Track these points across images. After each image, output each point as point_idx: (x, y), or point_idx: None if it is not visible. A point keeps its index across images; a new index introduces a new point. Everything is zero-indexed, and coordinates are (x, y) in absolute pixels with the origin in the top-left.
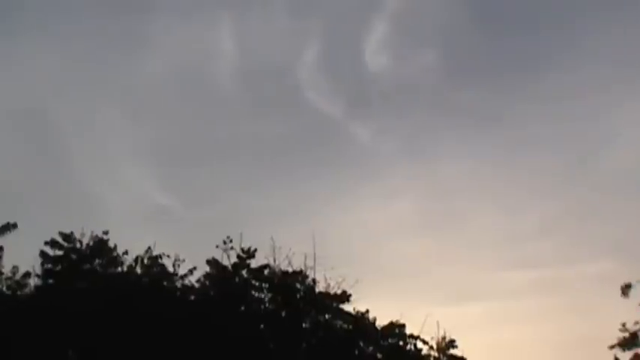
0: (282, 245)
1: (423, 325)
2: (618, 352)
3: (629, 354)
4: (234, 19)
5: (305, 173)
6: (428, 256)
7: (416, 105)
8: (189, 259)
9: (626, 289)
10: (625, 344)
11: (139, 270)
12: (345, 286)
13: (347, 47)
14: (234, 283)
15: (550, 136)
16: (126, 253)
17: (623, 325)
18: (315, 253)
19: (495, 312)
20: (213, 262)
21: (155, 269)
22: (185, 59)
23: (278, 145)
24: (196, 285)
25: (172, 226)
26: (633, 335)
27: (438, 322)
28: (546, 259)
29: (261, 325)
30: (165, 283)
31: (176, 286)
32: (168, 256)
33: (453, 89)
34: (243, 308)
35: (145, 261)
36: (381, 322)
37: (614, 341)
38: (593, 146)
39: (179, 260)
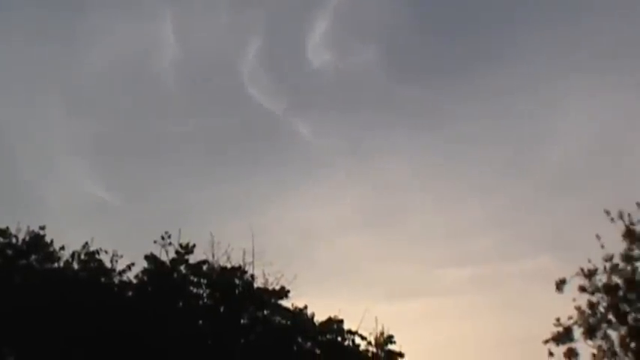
0: (222, 241)
1: (362, 321)
2: (552, 346)
3: (562, 348)
4: (177, 14)
5: (246, 169)
6: (368, 252)
7: (358, 101)
8: (128, 254)
9: (560, 284)
10: (559, 339)
11: (76, 266)
12: (284, 282)
13: (289, 43)
14: (172, 278)
15: (490, 133)
16: (63, 248)
17: (558, 320)
18: (253, 249)
19: (435, 308)
20: (151, 258)
21: (92, 265)
22: (126, 53)
23: (219, 141)
24: (134, 281)
25: (111, 221)
26: (567, 330)
27: (376, 318)
28: (485, 256)
29: (200, 321)
30: (102, 279)
31: (114, 282)
32: (105, 252)
33: (395, 86)
34: (181, 304)
35: (82, 256)
36: (319, 318)
37: (549, 336)
38: (532, 143)
39: (117, 256)
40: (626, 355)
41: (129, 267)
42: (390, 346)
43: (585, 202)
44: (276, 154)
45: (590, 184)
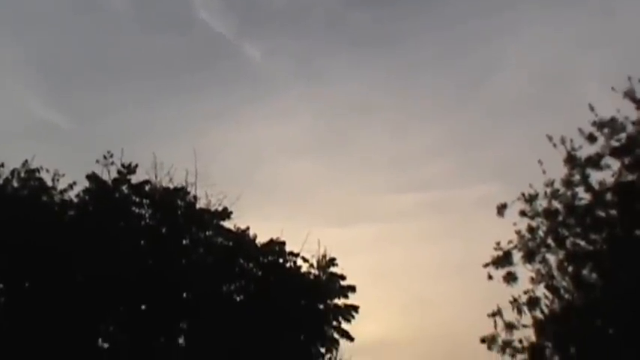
0: (165, 162)
1: (304, 244)
2: (492, 270)
3: (502, 272)
4: None
5: (193, 91)
6: (315, 176)
7: (310, 25)
8: (70, 174)
9: (501, 209)
10: (498, 263)
11: (15, 184)
12: (227, 204)
13: None
14: (114, 198)
15: (441, 59)
16: (2, 165)
17: (498, 244)
18: (196, 170)
19: (381, 234)
20: (93, 177)
21: (33, 183)
22: None
23: (166, 62)
24: (75, 200)
25: (54, 140)
26: (506, 254)
27: (319, 241)
28: (433, 182)
29: (141, 241)
30: (43, 198)
31: (54, 201)
32: (47, 171)
33: (346, 9)
34: (122, 224)
35: (22, 175)
36: (262, 240)
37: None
38: (483, 70)
39: (58, 175)
40: (564, 278)
41: (70, 186)
42: (332, 269)
43: (534, 129)
44: (225, 76)
45: (540, 111)
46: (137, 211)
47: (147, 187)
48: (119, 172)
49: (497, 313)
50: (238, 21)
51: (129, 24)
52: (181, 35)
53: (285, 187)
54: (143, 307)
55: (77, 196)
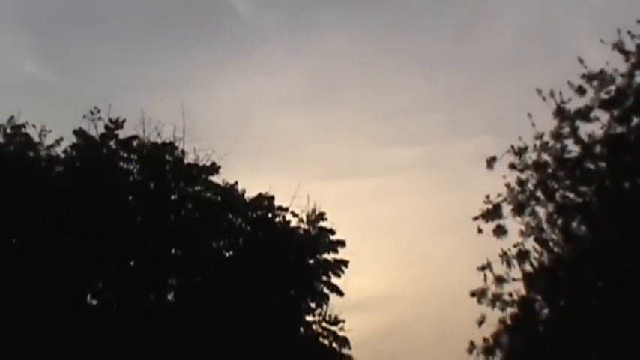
0: (153, 118)
1: (294, 199)
2: (482, 223)
3: (491, 225)
4: None
5: (182, 45)
6: (306, 130)
7: None
8: (57, 130)
9: (491, 162)
10: (488, 216)
11: (1, 139)
12: (215, 159)
13: None
14: (101, 154)
15: (431, 15)
16: None
17: (487, 197)
18: (184, 126)
19: (373, 188)
20: (80, 133)
21: (19, 139)
22: None
23: (155, 17)
24: (62, 156)
25: (40, 95)
26: (496, 207)
27: (308, 196)
28: (425, 136)
29: (129, 197)
30: (30, 154)
31: (41, 157)
32: (33, 126)
33: None
34: (110, 180)
35: (8, 130)
36: (251, 195)
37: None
38: (471, 24)
39: (45, 131)
40: (553, 231)
41: (57, 142)
42: (322, 224)
43: (524, 82)
44: (214, 30)
45: (529, 64)
46: (125, 166)
47: (134, 143)
48: (106, 127)
49: (486, 267)
50: None
51: None
52: None
53: (275, 141)
54: (131, 263)
55: (64, 151)
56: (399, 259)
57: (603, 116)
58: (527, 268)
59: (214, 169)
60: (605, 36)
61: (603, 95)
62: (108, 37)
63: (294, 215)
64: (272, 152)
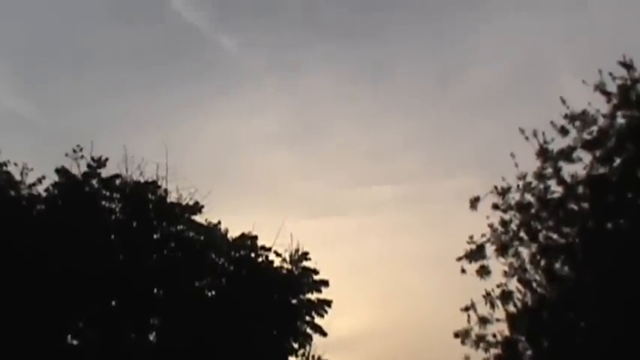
0: (137, 155)
1: (277, 238)
2: (465, 263)
3: (475, 265)
4: None
5: (166, 83)
6: (289, 169)
7: (284, 17)
8: (39, 168)
9: (474, 202)
10: (471, 256)
11: None
12: (198, 198)
13: None
14: (83, 192)
15: (416, 51)
16: None
17: (471, 237)
18: (167, 164)
19: (356, 227)
20: (62, 171)
21: (0, 177)
22: None
23: (140, 54)
24: (44, 194)
25: (23, 132)
26: (479, 247)
27: (291, 235)
28: (409, 174)
29: (112, 236)
30: (11, 192)
31: (23, 195)
32: (15, 164)
33: (323, 1)
34: (92, 218)
35: None
36: (234, 234)
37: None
38: (456, 64)
39: (27, 169)
40: (536, 272)
41: (39, 180)
42: (305, 263)
43: (508, 122)
44: (198, 67)
45: (513, 104)
46: (107, 205)
47: (117, 181)
48: (89, 165)
49: (470, 307)
50: (213, 12)
51: (101, 13)
52: (154, 25)
53: (259, 179)
54: (113, 302)
55: (46, 190)
56: (383, 298)
57: (586, 157)
58: (511, 308)
59: (197, 208)
60: (588, 77)
61: (586, 136)
62: (91, 73)
63: (278, 255)
64: (256, 190)
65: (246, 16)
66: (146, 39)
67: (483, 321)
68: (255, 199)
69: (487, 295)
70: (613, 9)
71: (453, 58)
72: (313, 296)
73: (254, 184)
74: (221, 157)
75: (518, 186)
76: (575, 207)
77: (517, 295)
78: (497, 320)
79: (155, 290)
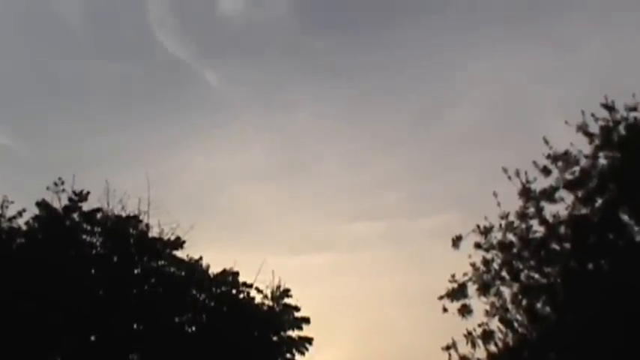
0: (119, 189)
1: (258, 274)
2: (447, 302)
3: (457, 304)
4: None
5: (148, 116)
6: (272, 204)
7: (269, 51)
8: (20, 201)
9: (456, 241)
10: (453, 295)
11: None
12: (180, 232)
13: None
14: (64, 226)
15: (399, 88)
16: None
17: (453, 276)
18: (149, 198)
19: (338, 263)
20: (43, 205)
21: None
22: None
23: (123, 87)
24: (24, 228)
25: (4, 166)
26: (461, 286)
27: (273, 271)
28: (391, 212)
29: (92, 270)
30: None
31: (3, 229)
32: None
33: (306, 36)
34: (73, 252)
35: None
36: (215, 270)
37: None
38: (439, 100)
39: (7, 202)
40: (518, 311)
41: (20, 213)
42: (286, 300)
43: (490, 161)
44: (182, 101)
45: (496, 143)
46: (88, 239)
47: (98, 215)
48: (70, 199)
49: (451, 346)
50: (197, 46)
51: (85, 47)
52: (138, 59)
53: (241, 215)
54: (93, 337)
55: (26, 223)
56: (363, 335)
57: (568, 197)
58: (492, 348)
59: (179, 243)
60: (570, 117)
61: (568, 176)
62: (74, 106)
63: (259, 291)
64: (238, 225)
65: (232, 52)
66: (130, 73)
67: None
68: (237, 235)
69: (468, 335)
70: (596, 50)
71: (436, 96)
72: (294, 333)
73: (236, 220)
74: (204, 192)
75: (500, 225)
76: (557, 247)
77: (498, 335)
78: None
79: (135, 325)
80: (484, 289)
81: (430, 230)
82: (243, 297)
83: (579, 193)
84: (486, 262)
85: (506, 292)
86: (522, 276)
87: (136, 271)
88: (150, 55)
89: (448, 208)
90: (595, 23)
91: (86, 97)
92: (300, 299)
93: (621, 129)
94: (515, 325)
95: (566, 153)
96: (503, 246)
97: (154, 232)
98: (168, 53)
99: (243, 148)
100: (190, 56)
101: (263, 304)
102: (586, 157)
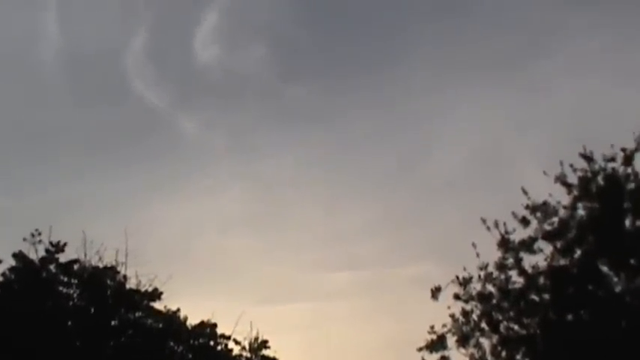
0: (96, 239)
1: (236, 325)
2: (426, 354)
3: (436, 356)
4: (60, 2)
5: (125, 164)
6: (248, 253)
7: (245, 100)
8: None
9: (436, 292)
10: (432, 347)
11: None
12: (158, 284)
13: (176, 37)
14: (41, 277)
15: (376, 137)
16: None
17: (432, 327)
18: (127, 249)
19: (315, 313)
20: (19, 256)
21: None
22: (6, 41)
23: (98, 134)
24: (1, 279)
25: None
26: (440, 338)
27: (251, 323)
28: (368, 261)
29: (69, 322)
30: None
31: None
32: None
33: (282, 84)
34: (50, 304)
35: None
36: (193, 321)
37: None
38: (417, 149)
39: None
40: None
41: None
42: (265, 352)
43: (469, 209)
44: (158, 149)
45: (474, 191)
46: (65, 290)
47: (75, 266)
48: (47, 250)
49: None
50: (173, 93)
51: (60, 94)
52: (114, 106)
53: (219, 264)
54: None
55: (3, 274)
56: None
57: (547, 248)
58: None
59: (156, 294)
60: (549, 164)
61: (547, 227)
62: (49, 155)
63: (237, 343)
64: (215, 275)
65: (208, 99)
66: (106, 121)
67: None
68: (214, 284)
69: None
70: (573, 99)
71: (414, 144)
72: None
73: (214, 269)
74: (180, 241)
75: (479, 276)
76: (536, 298)
77: None
78: None
79: None
80: (463, 341)
81: (410, 279)
82: (221, 349)
83: (558, 244)
84: (465, 314)
85: (485, 343)
86: (502, 327)
87: (113, 323)
88: (126, 102)
89: (427, 257)
90: (571, 71)
91: (62, 144)
92: (278, 350)
93: (600, 179)
94: None
95: (545, 203)
96: (483, 297)
97: (131, 284)
98: (144, 100)
99: (220, 195)
100: (166, 103)
101: (241, 355)
102: (565, 207)
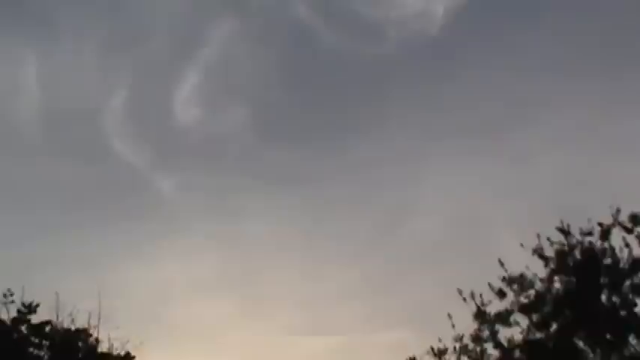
0: (69, 300)
1: None
2: None
3: None
4: (40, 59)
5: (101, 225)
6: (223, 317)
7: (224, 161)
8: None
9: None
10: None
11: None
12: (130, 347)
13: (156, 96)
14: (12, 339)
15: (354, 202)
16: None
17: None
18: (100, 312)
19: None
20: None
21: None
22: None
23: (77, 192)
24: None
25: None
26: None
27: None
28: (344, 327)
29: None
30: None
31: None
32: None
33: (262, 147)
34: None
35: None
36: None
37: None
38: (394, 215)
39: None
40: None
41: None
42: None
43: (446, 276)
44: (135, 209)
45: (452, 258)
46: (36, 352)
47: (47, 328)
48: (19, 311)
49: None
50: (152, 153)
51: (39, 150)
52: (93, 164)
53: (193, 327)
54: None
55: None
56: None
57: (523, 321)
58: None
59: (129, 358)
60: (526, 234)
61: (523, 299)
62: (24, 212)
63: None
64: (189, 339)
65: (186, 160)
66: (84, 178)
67: None
68: (188, 348)
69: None
70: (552, 170)
71: (392, 210)
72: None
73: (187, 333)
74: (154, 304)
75: (454, 348)
76: None
77: None
78: None
79: None
80: None
81: (385, 346)
82: None
83: (534, 317)
84: None
85: None
86: None
87: None
88: (104, 161)
89: (404, 325)
90: (551, 142)
91: (38, 201)
92: None
93: (577, 253)
94: None
95: (522, 276)
96: None
97: (103, 347)
98: (122, 159)
99: (195, 258)
100: (145, 163)
101: None
102: (541, 280)
